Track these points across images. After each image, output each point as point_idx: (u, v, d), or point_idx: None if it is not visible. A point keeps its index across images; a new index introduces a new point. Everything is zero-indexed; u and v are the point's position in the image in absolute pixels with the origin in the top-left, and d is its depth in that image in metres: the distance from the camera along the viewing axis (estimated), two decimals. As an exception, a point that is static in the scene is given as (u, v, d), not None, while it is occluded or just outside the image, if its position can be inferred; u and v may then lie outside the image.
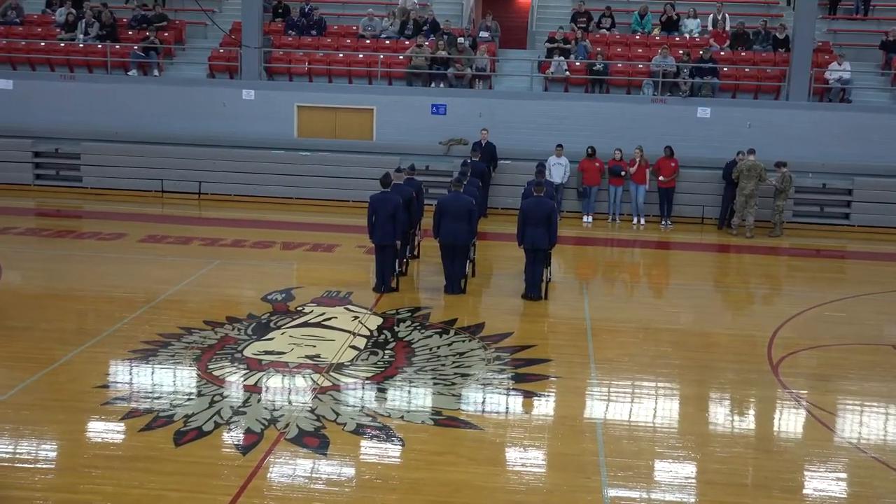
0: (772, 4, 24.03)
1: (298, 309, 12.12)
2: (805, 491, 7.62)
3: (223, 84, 21.53)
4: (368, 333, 11.21)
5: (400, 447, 8.03)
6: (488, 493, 7.32)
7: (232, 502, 7.00)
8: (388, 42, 22.25)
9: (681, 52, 21.09)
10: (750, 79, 21.05)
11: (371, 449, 8.00)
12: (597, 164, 19.32)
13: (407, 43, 22.00)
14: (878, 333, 12.29)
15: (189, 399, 8.93)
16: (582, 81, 21.21)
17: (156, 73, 21.89)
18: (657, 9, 22.98)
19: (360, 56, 21.85)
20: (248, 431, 8.21)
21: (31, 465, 7.51)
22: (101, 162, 20.89)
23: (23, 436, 8.01)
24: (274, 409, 8.73)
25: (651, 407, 9.30)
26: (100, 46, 22.12)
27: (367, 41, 22.29)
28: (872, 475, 7.91)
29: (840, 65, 20.57)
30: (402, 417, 8.65)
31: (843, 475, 7.93)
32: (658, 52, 20.94)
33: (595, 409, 9.13)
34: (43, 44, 22.21)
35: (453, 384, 9.56)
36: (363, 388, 9.44)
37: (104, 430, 8.23)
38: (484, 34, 22.38)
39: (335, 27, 23.20)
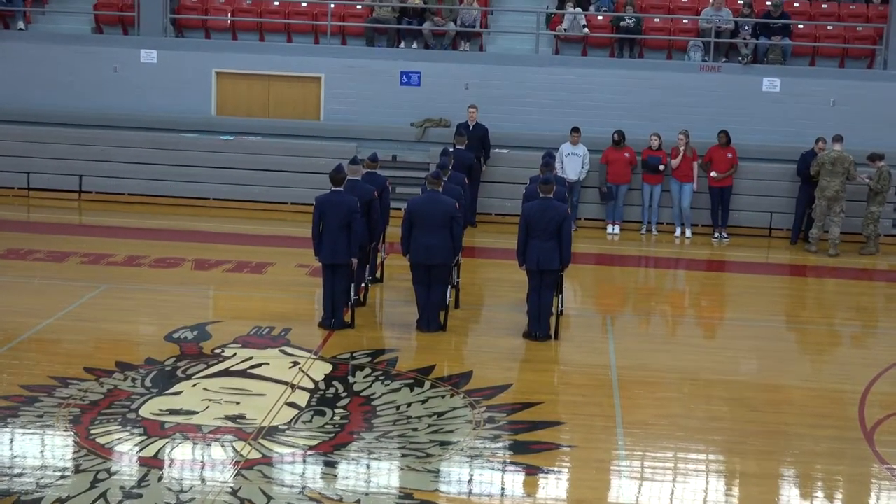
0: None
1: (216, 352, 12.06)
2: None
3: (114, 42, 21.46)
4: (312, 386, 11.16)
5: (355, 543, 7.99)
6: None
7: None
8: (341, -14, 22.32)
9: (740, 2, 21.26)
10: (834, 40, 21.22)
11: (315, 546, 7.96)
12: (626, 155, 19.39)
13: (367, -13, 22.08)
14: None
15: (63, 477, 8.83)
16: (606, 42, 21.31)
17: (21, 25, 21.81)
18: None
19: (304, 5, 21.86)
20: (144, 521, 8.14)
21: None
22: (-56, 148, 20.79)
23: None
24: (181, 491, 8.64)
25: (700, 488, 9.29)
26: (-57, -11, 22.03)
27: (313, -16, 22.35)
28: None
29: (956, 22, 20.82)
30: (358, 501, 8.59)
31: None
32: (710, 2, 21.10)
33: (623, 490, 9.12)
34: None
35: (429, 456, 9.52)
36: (304, 460, 9.39)
37: (-56, 520, 8.14)
38: (473, -24, 22.50)
39: (269, -35, 23.27)
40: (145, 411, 10.25)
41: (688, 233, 19.50)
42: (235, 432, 9.81)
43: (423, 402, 10.80)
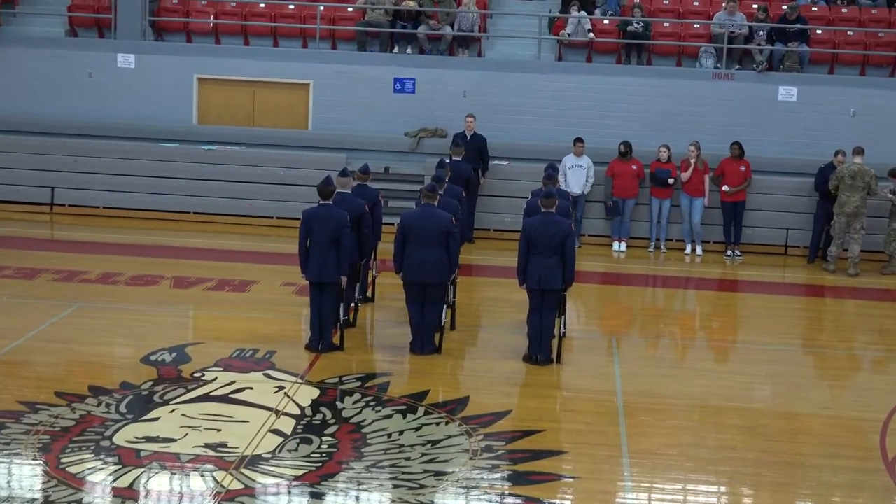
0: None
1: (196, 375, 12.05)
2: None
3: (89, 46, 21.50)
4: (298, 412, 11.15)
5: (343, 580, 7.98)
6: None
7: None
8: (331, -13, 22.39)
9: (755, 6, 21.33)
10: (854, 46, 21.29)
11: (300, 583, 7.95)
12: (633, 168, 19.43)
13: (359, -11, 22.13)
14: None
15: (31, 508, 8.83)
16: (613, 47, 21.37)
17: (-10, 27, 21.89)
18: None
19: (291, 7, 21.91)
20: (118, 556, 8.14)
21: None
22: None
23: None
24: (157, 524, 8.65)
25: (711, 522, 9.31)
26: None
27: (302, -14, 22.42)
28: None
29: (983, 28, 20.92)
30: (346, 536, 8.60)
31: None
32: (722, 6, 21.17)
33: (630, 524, 9.14)
34: None
35: (422, 487, 9.51)
36: (289, 492, 9.38)
37: None
38: (471, -22, 22.57)
39: (255, -35, 23.34)
40: (120, 439, 10.23)
41: (698, 250, 19.51)
42: (216, 461, 9.79)
43: (417, 429, 10.79)
